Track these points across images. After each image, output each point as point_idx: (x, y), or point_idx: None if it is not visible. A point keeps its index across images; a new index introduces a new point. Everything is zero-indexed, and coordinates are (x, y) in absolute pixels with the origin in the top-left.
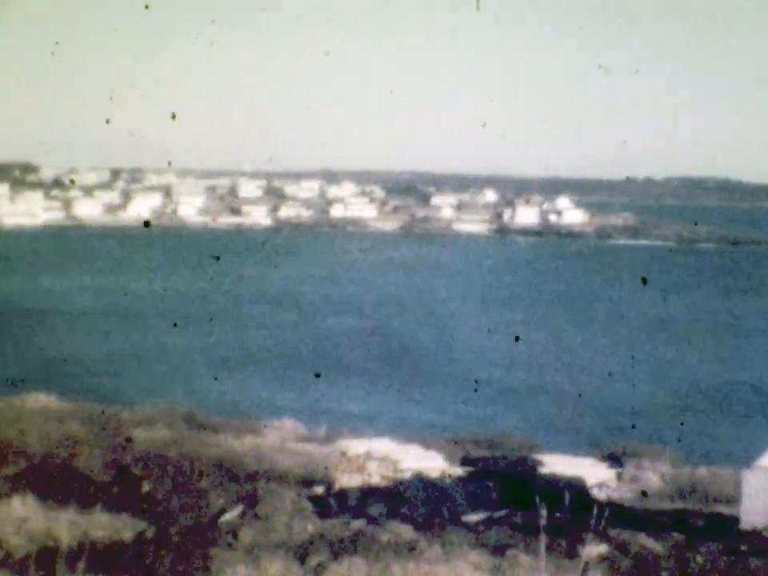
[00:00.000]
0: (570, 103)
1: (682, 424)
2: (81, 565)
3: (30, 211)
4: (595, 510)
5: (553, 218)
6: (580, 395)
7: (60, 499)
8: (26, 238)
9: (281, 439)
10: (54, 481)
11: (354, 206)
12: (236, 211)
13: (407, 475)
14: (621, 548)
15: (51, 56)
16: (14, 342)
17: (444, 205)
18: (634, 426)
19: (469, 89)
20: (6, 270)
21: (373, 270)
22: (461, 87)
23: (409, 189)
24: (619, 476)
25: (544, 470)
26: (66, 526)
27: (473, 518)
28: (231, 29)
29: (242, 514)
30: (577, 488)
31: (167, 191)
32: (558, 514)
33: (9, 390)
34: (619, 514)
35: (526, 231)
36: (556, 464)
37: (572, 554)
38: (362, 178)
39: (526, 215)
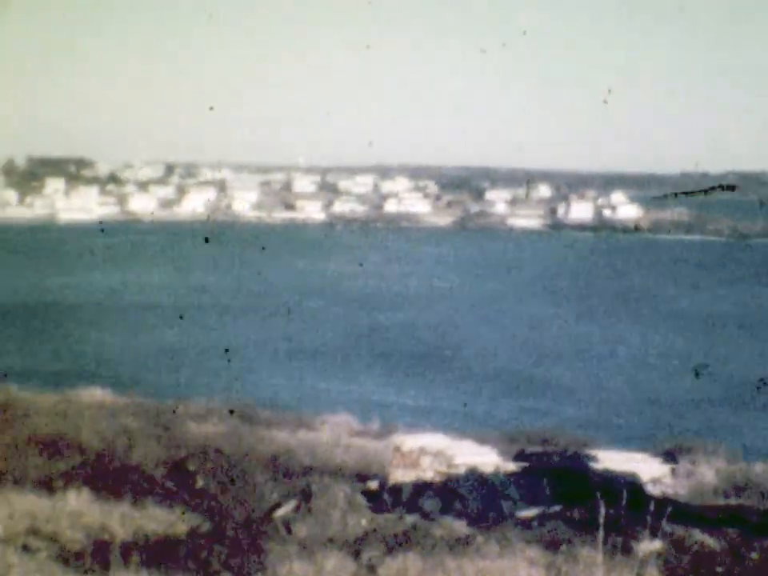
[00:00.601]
0: (624, 97)
1: (737, 419)
2: (135, 558)
3: (86, 206)
4: (650, 506)
5: (607, 212)
6: (634, 390)
7: (115, 493)
8: (81, 233)
9: (335, 434)
10: (109, 475)
11: (408, 201)
12: (290, 206)
13: (461, 470)
14: (676, 544)
15: (104, 52)
16: (68, 337)
17: (498, 200)
18: (688, 422)
19: (522, 83)
20: (61, 264)
21: (426, 265)
22: (513, 81)
23: (463, 184)
24: (673, 471)
25: (598, 466)
26: (121, 519)
27: (527, 513)
28: (280, 23)
29: (296, 509)
30: (631, 484)
31: (222, 186)
32: (612, 510)
33: (64, 385)
34: (674, 510)
35: (580, 226)
36: (610, 459)
37: (627, 550)
38: (416, 173)
39: (580, 210)
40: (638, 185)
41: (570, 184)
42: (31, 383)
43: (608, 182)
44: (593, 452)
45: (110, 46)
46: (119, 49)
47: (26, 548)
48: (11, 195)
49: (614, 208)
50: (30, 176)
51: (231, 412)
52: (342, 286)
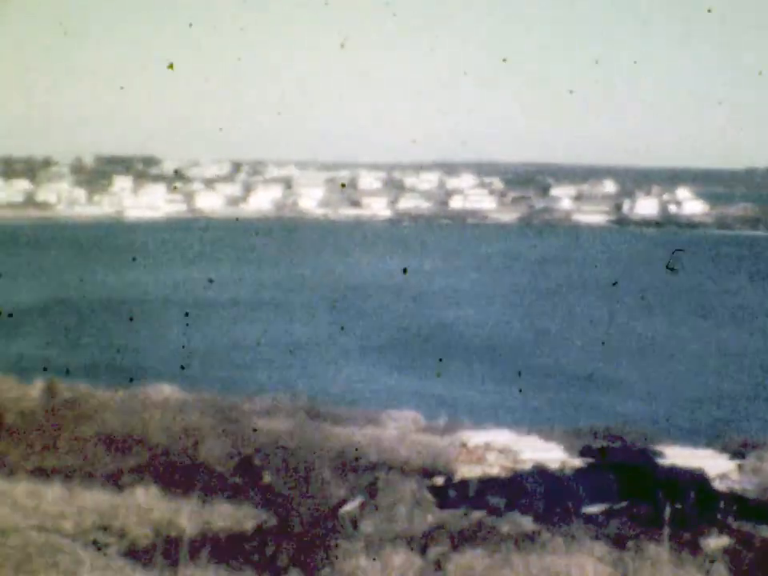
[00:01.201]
0: (689, 92)
1: None
2: (203, 554)
3: (153, 204)
4: (717, 502)
5: (673, 208)
6: (699, 385)
7: (182, 489)
8: (149, 230)
9: (401, 430)
10: (176, 471)
11: (474, 197)
12: (356, 203)
13: (527, 466)
14: (743, 540)
15: (172, 50)
16: (136, 333)
17: (563, 196)
18: (756, 418)
19: (584, 79)
20: (129, 261)
21: (492, 262)
22: (576, 77)
23: (528, 180)
24: (740, 468)
25: (664, 462)
26: (189, 515)
27: (593, 509)
28: (348, 24)
29: (363, 505)
30: (698, 480)
31: (288, 183)
32: (678, 506)
33: (131, 381)
34: (741, 506)
35: (645, 222)
36: (676, 455)
37: (694, 546)
38: (481, 169)
39: (645, 206)
40: (703, 180)
41: (636, 180)
42: (100, 379)
43: (673, 178)
44: (659, 448)
45: (176, 45)
46: (187, 47)
47: (95, 543)
48: (79, 193)
49: (679, 203)
50: (97, 174)
51: (298, 408)
52: (406, 282)
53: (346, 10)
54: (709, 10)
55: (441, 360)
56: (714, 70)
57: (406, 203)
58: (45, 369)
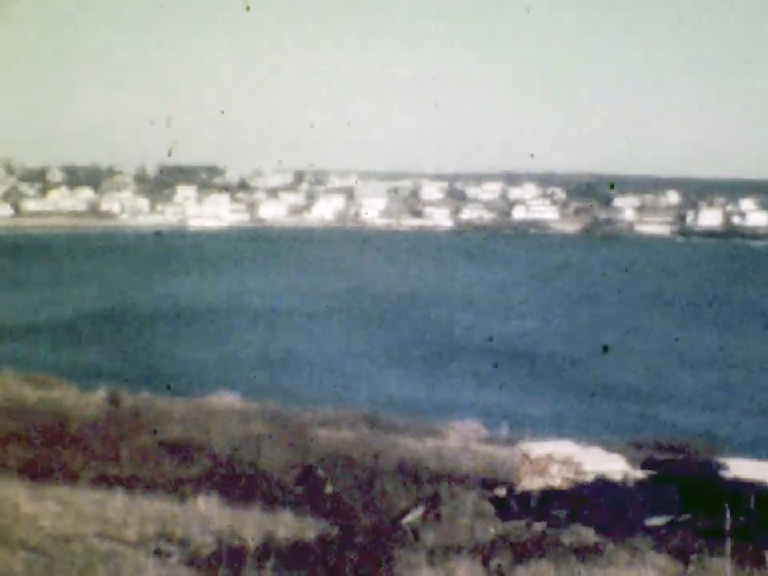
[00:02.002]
0: (754, 102)
1: None
2: (266, 563)
3: (216, 213)
4: None
5: (736, 219)
6: (764, 398)
7: (244, 498)
8: (213, 239)
9: (463, 441)
10: (239, 480)
11: (536, 207)
12: (418, 213)
13: (589, 478)
14: None
15: (232, 62)
16: (200, 341)
17: (626, 206)
18: None
19: (648, 90)
20: (193, 270)
21: (553, 272)
22: (638, 88)
23: (590, 190)
24: None
25: (727, 474)
26: (251, 525)
27: (656, 521)
28: (410, 35)
29: (424, 516)
30: (762, 492)
31: (350, 193)
32: (742, 519)
33: (195, 390)
34: None
35: (708, 233)
36: (740, 468)
37: (758, 559)
38: (543, 179)
39: (709, 217)
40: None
41: (699, 191)
42: (160, 388)
43: (737, 189)
44: (722, 460)
45: (238, 56)
46: (245, 58)
47: (157, 552)
48: (143, 203)
49: (743, 215)
50: (161, 184)
51: (359, 418)
52: (468, 292)
53: (410, 23)
54: None
55: (496, 366)
56: None
57: (469, 213)
58: (100, 376)
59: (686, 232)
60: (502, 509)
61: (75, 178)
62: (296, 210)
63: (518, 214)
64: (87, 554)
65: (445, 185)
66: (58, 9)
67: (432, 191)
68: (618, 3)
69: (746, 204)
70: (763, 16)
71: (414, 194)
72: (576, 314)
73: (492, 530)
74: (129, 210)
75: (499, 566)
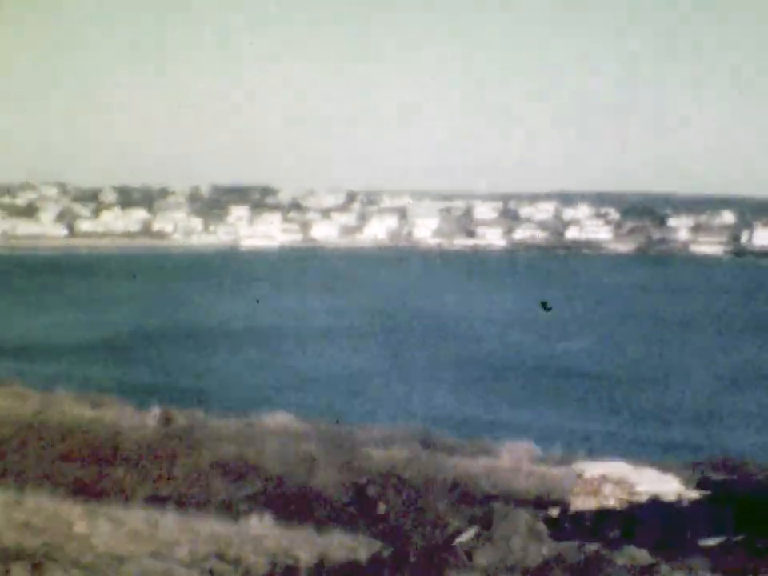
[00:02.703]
0: None
1: None
2: None
3: (268, 233)
4: None
5: None
6: None
7: (297, 518)
8: (265, 260)
9: (516, 460)
10: (291, 500)
11: (590, 227)
12: (470, 233)
13: (643, 498)
14: None
15: (288, 88)
16: (253, 361)
17: (681, 226)
18: None
19: (702, 110)
20: (245, 291)
21: (605, 292)
22: (692, 109)
23: (645, 210)
24: None
25: None
26: (304, 544)
27: (710, 542)
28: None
29: (477, 536)
30: None
31: (402, 213)
32: None
33: (248, 409)
34: None
35: (764, 252)
36: None
37: None
38: (597, 199)
39: (764, 236)
40: None
41: (755, 210)
42: (217, 407)
43: None
44: None
45: (291, 79)
46: (298, 81)
47: (210, 572)
48: (196, 223)
49: None
50: (214, 204)
51: (412, 437)
52: (522, 313)
53: (462, 46)
54: None
55: (552, 393)
56: None
57: (522, 233)
58: (151, 394)
59: (740, 252)
60: (556, 529)
61: (128, 198)
62: (348, 230)
63: (572, 233)
64: (140, 574)
65: (498, 204)
66: (107, 30)
67: (485, 211)
68: (668, 26)
69: None
70: None
71: (467, 213)
72: (631, 334)
73: (545, 550)
74: (182, 230)
75: None
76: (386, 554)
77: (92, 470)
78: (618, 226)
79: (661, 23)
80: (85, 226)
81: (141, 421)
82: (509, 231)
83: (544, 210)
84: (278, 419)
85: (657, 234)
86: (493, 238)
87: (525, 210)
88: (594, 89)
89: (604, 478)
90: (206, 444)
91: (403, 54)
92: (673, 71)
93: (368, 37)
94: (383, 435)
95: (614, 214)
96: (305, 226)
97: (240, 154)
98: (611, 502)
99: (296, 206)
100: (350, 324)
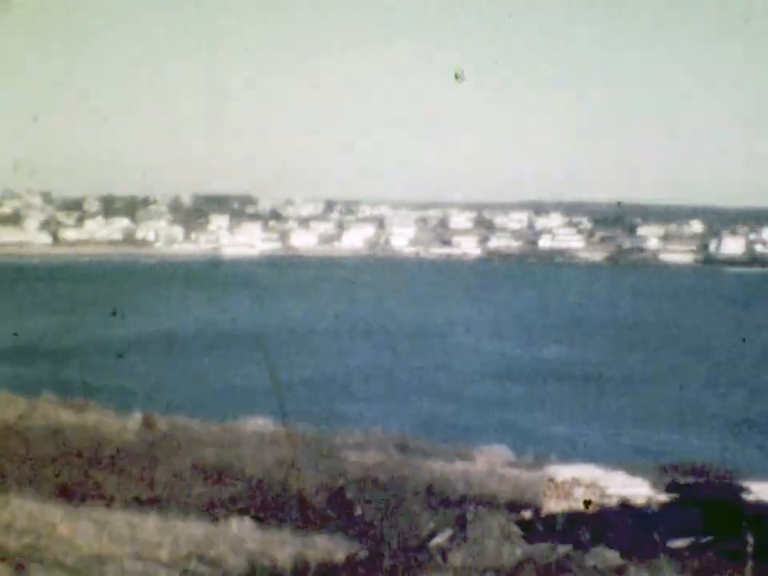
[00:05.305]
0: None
1: None
2: None
3: (248, 242)
4: None
5: (759, 247)
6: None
7: (276, 520)
8: (245, 268)
9: (490, 464)
10: (270, 502)
11: (562, 236)
12: (446, 242)
13: (613, 501)
14: None
15: (269, 99)
16: (230, 366)
17: (650, 235)
18: None
19: (674, 122)
20: (226, 298)
21: (577, 300)
22: (664, 121)
23: (615, 220)
24: None
25: (750, 497)
26: (282, 546)
27: (678, 543)
28: (434, 65)
29: (452, 538)
30: None
31: (380, 222)
32: (764, 541)
33: (226, 415)
34: None
35: (731, 261)
36: (762, 490)
37: None
38: (569, 209)
39: (731, 245)
40: None
41: (722, 220)
42: (197, 412)
43: (759, 218)
44: (746, 483)
45: (270, 89)
46: (277, 91)
47: (190, 572)
48: (177, 231)
49: (766, 243)
50: (195, 213)
51: (388, 442)
52: (502, 319)
53: (439, 57)
54: None
55: (526, 397)
56: None
57: (496, 242)
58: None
59: (708, 260)
60: (529, 531)
61: (111, 207)
62: (326, 239)
63: (544, 242)
64: (121, 574)
65: (473, 214)
66: (92, 39)
67: (460, 220)
68: (646, 36)
69: None
70: None
71: (443, 222)
72: (599, 341)
73: (518, 551)
74: (164, 238)
75: None
76: (362, 555)
77: (75, 473)
78: (589, 234)
79: (623, 32)
80: (69, 234)
81: (123, 425)
82: (483, 240)
83: (517, 220)
84: (258, 423)
85: (627, 243)
86: (468, 246)
87: (499, 220)
88: (563, 102)
89: (575, 481)
90: (186, 448)
91: (381, 68)
92: (645, 87)
93: (344, 51)
94: (360, 440)
95: (585, 224)
96: (284, 235)
97: (220, 164)
98: (582, 505)
99: (275, 215)
100: (325, 328)
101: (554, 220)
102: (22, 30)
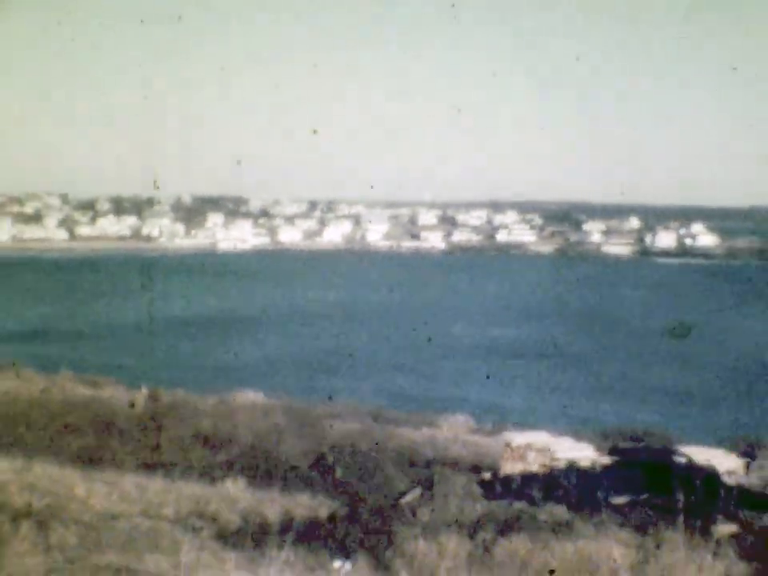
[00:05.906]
0: (717, 142)
1: None
2: (285, 538)
3: (241, 237)
4: (725, 494)
5: (688, 241)
6: (716, 394)
7: (266, 482)
8: (238, 260)
9: (454, 431)
10: (261, 466)
11: (516, 231)
12: (415, 236)
13: (562, 464)
14: (748, 527)
15: (262, 108)
16: (225, 346)
17: (594, 230)
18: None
19: (614, 129)
20: (222, 286)
21: (532, 287)
22: (606, 128)
23: (564, 216)
24: (748, 465)
25: (681, 459)
26: (271, 504)
27: (619, 500)
28: (402, 74)
29: (420, 496)
30: (709, 475)
31: (357, 219)
32: (693, 498)
33: (223, 388)
34: (747, 498)
35: (665, 253)
36: (692, 454)
37: (705, 532)
38: (523, 207)
39: (665, 239)
40: (716, 217)
41: (656, 216)
42: (197, 387)
43: (689, 214)
44: (678, 447)
45: (270, 99)
46: (281, 101)
47: (191, 527)
48: (179, 228)
49: (694, 237)
50: (194, 212)
51: (365, 412)
52: (462, 303)
53: (399, 69)
54: (734, 68)
55: (489, 373)
56: (738, 122)
57: (459, 236)
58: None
59: (644, 252)
60: (488, 490)
61: (121, 207)
62: (310, 235)
63: (501, 237)
64: (131, 530)
65: (439, 212)
66: (98, 41)
67: (428, 218)
68: (594, 41)
69: (697, 227)
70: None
71: (412, 219)
72: (549, 322)
73: (479, 508)
74: (167, 234)
75: (484, 539)
76: (342, 512)
77: (90, 440)
78: (540, 229)
79: (582, 34)
80: (83, 231)
81: (132, 398)
82: (447, 235)
83: (477, 217)
84: (250, 396)
85: (574, 237)
86: (434, 240)
87: (461, 217)
88: (517, 108)
89: (529, 446)
90: (187, 418)
91: (358, 80)
92: (590, 90)
93: (324, 48)
94: (341, 410)
95: (537, 220)
96: (272, 231)
97: (217, 168)
98: (535, 467)
99: (265, 213)
100: (308, 312)
101: (510, 217)
102: (30, 34)
